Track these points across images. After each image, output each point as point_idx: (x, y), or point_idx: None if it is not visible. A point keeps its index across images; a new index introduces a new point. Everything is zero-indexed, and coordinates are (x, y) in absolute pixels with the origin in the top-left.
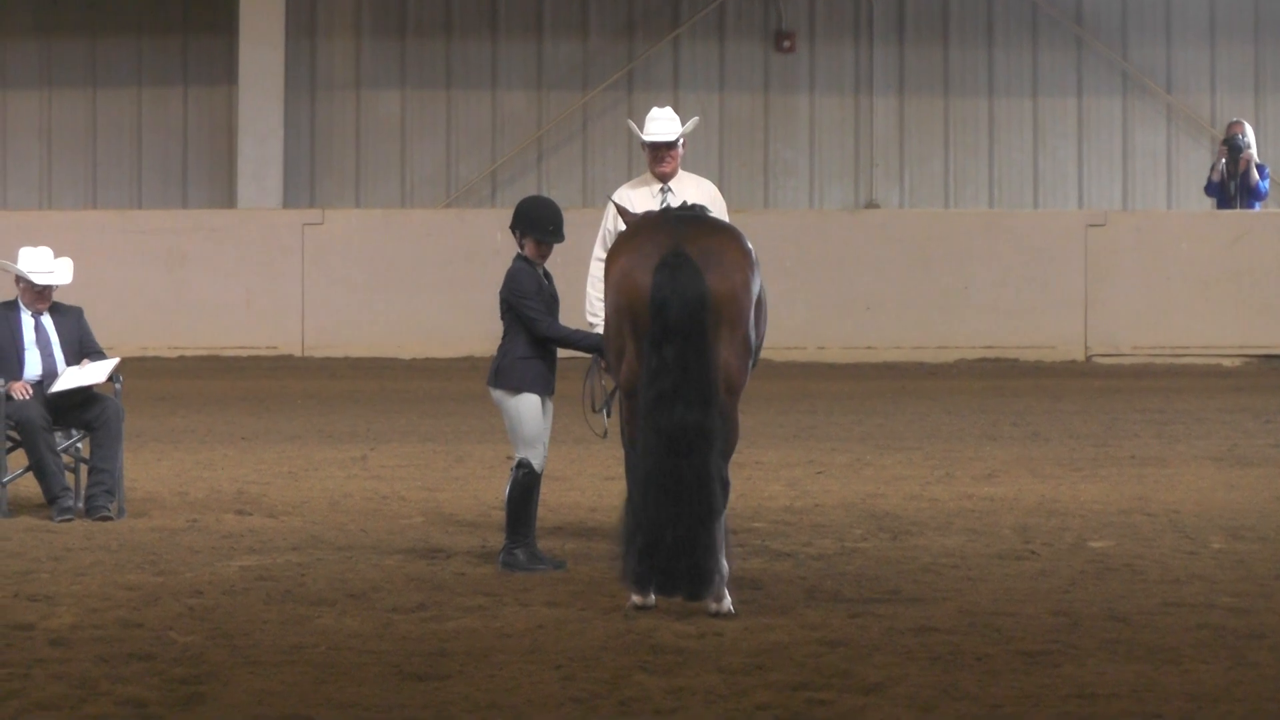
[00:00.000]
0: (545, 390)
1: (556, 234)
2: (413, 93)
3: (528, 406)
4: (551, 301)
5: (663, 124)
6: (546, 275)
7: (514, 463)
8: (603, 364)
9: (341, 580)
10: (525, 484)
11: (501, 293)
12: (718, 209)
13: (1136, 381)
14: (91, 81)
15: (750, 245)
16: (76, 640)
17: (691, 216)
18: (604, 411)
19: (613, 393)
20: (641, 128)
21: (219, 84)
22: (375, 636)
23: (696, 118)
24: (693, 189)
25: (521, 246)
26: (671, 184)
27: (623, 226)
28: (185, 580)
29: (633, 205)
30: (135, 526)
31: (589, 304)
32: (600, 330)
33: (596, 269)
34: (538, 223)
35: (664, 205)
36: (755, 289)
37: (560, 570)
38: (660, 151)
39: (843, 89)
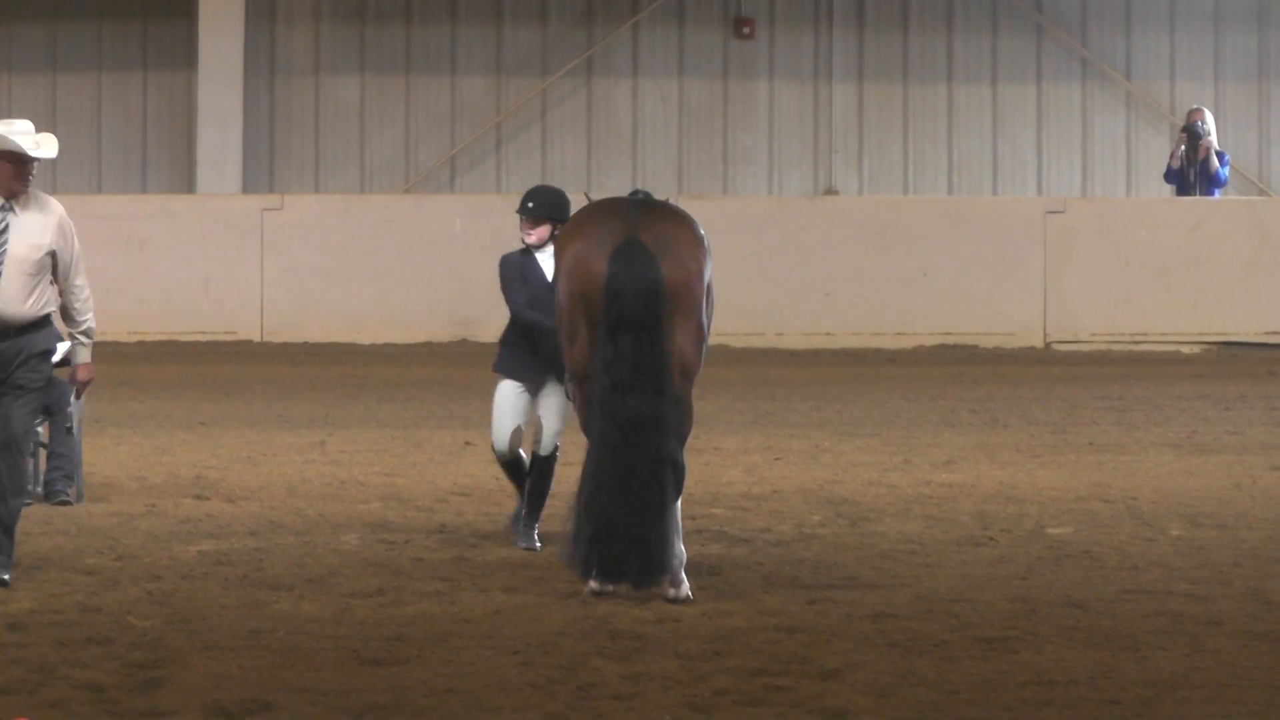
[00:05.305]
0: (517, 375)
1: (521, 208)
2: (372, 78)
3: (499, 390)
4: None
5: None
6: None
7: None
8: None
9: (300, 565)
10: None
11: None
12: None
13: (1095, 368)
14: (51, 67)
15: (702, 232)
16: (34, 625)
17: (644, 202)
18: None
19: None
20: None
21: (179, 69)
22: (333, 621)
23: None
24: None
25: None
26: (16, 204)
27: None
28: (143, 565)
29: None
30: (93, 511)
31: None
32: None
33: None
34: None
35: (4, 226)
36: (707, 276)
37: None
38: None
39: (802, 75)
